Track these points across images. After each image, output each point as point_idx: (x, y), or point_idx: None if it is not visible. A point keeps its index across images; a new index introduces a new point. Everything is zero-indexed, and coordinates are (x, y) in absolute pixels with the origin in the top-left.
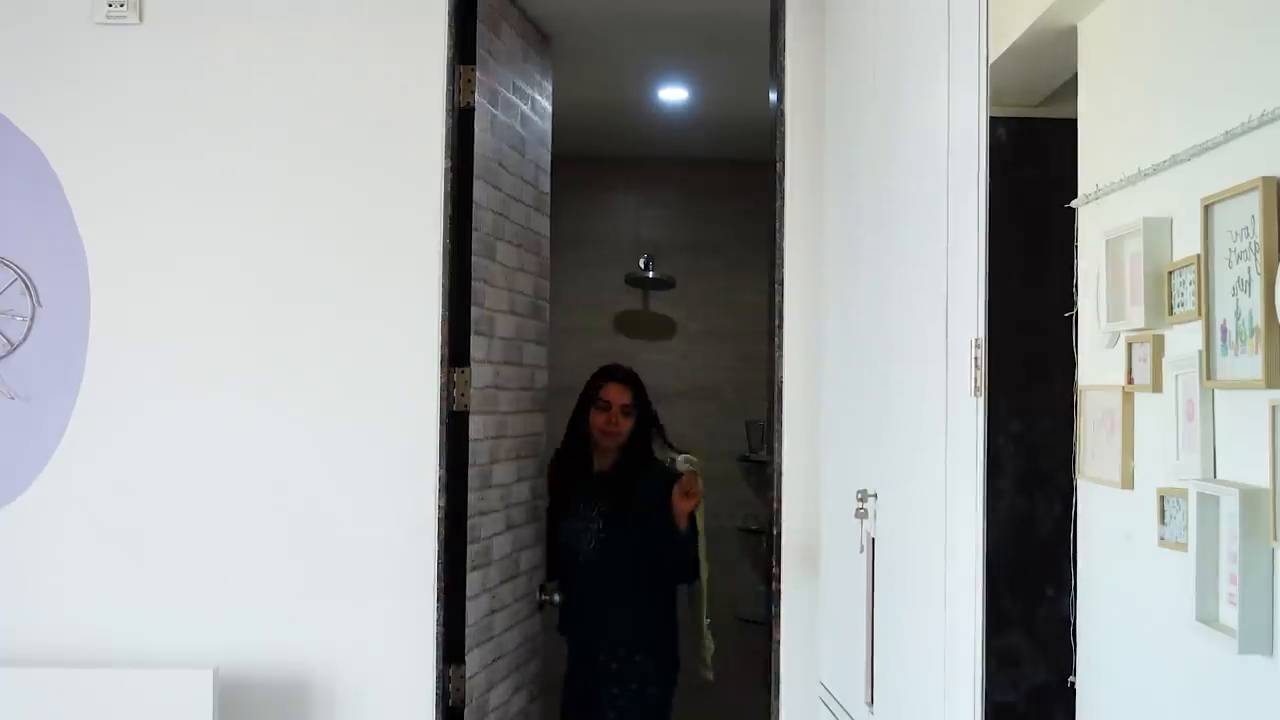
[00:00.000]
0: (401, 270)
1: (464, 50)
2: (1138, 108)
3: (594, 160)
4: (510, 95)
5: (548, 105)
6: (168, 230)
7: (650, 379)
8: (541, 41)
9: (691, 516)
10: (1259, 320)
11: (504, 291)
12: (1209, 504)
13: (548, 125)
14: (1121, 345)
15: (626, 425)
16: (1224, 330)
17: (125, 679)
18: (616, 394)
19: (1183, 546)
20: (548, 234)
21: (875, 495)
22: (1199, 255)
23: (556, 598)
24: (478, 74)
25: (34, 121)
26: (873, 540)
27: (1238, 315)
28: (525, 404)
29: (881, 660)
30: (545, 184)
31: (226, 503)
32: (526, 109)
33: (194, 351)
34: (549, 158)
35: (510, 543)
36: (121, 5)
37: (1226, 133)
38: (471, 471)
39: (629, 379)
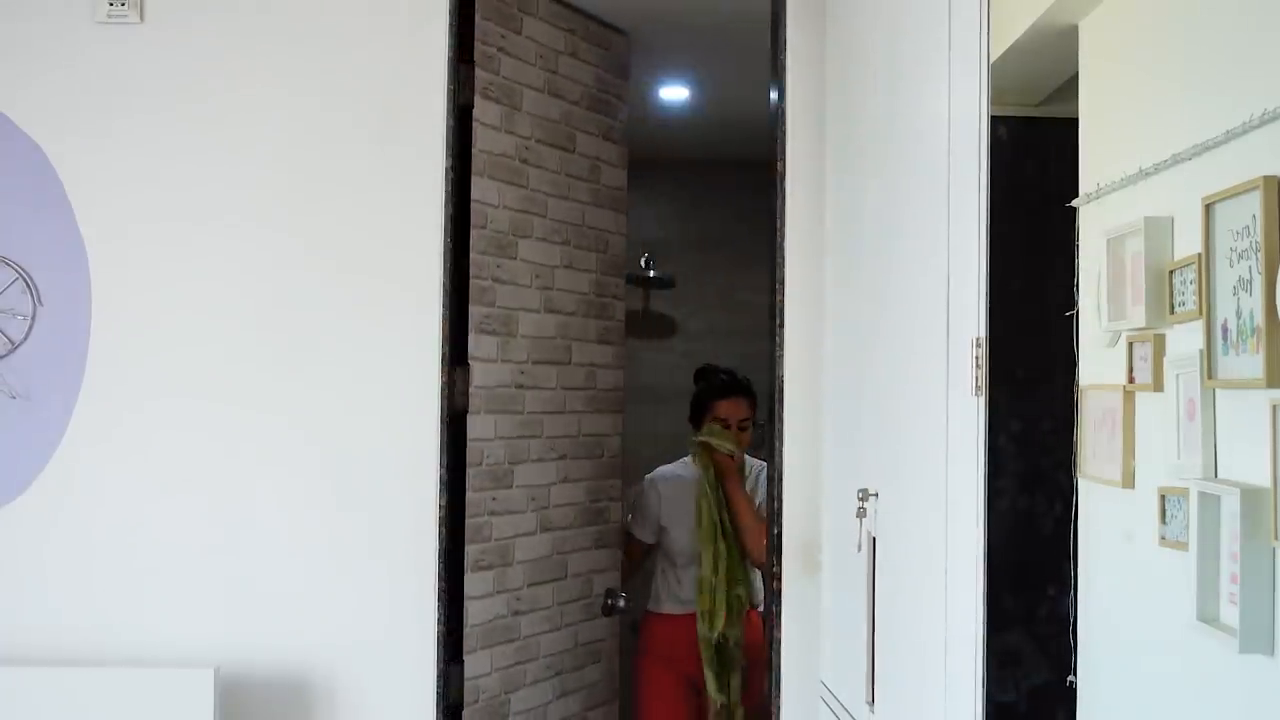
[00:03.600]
0: (402, 269)
1: (466, 49)
2: (1138, 107)
3: None
4: (541, 91)
5: (616, 99)
6: (169, 229)
7: (650, 379)
8: (609, 35)
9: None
10: (1260, 319)
11: (533, 290)
12: (1210, 503)
13: (615, 120)
14: (1122, 344)
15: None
16: (1225, 329)
17: (125, 679)
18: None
19: (1184, 546)
20: (621, 230)
21: (876, 494)
22: (1200, 254)
23: (623, 603)
24: (486, 72)
25: (35, 120)
26: (873, 539)
27: (1239, 314)
28: (576, 404)
29: (882, 659)
30: (615, 179)
31: (227, 502)
32: (574, 104)
33: (194, 350)
34: (621, 152)
35: (548, 544)
36: (122, 4)
37: (1227, 132)
38: (479, 470)
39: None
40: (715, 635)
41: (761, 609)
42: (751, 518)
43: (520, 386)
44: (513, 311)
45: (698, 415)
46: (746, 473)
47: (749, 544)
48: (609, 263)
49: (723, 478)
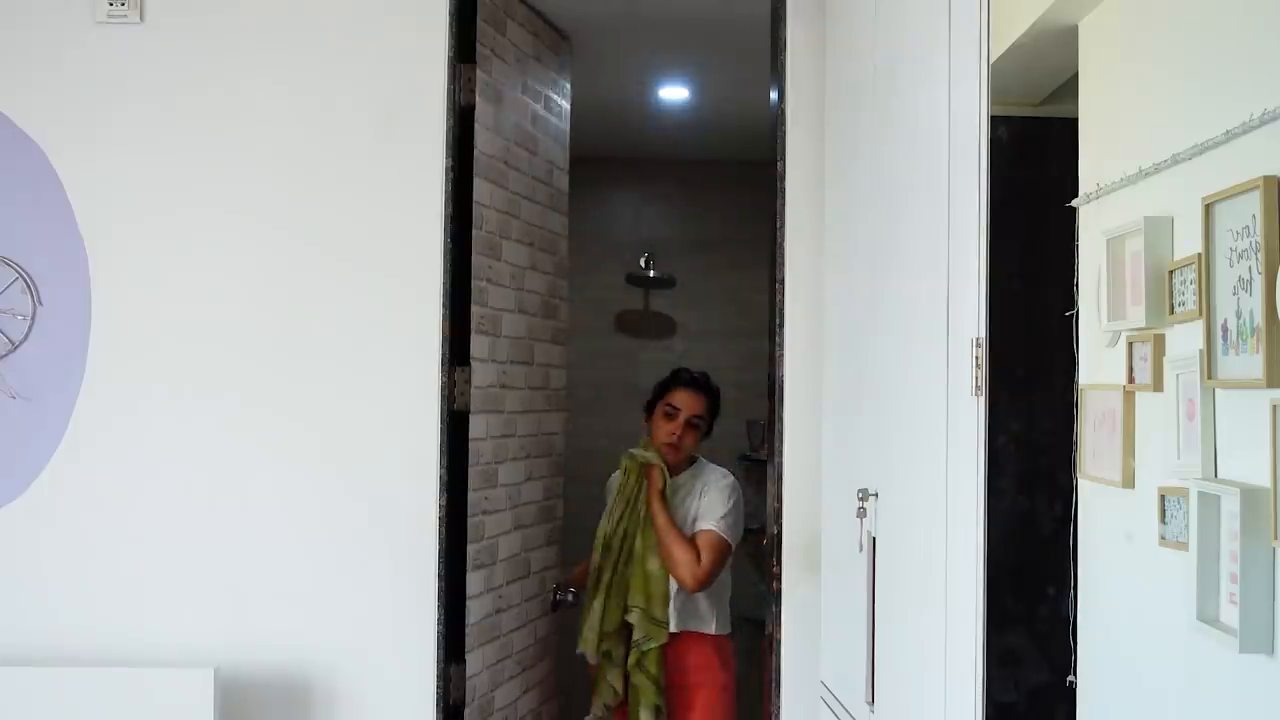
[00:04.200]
0: (402, 269)
1: (465, 49)
2: (1138, 107)
3: (594, 159)
4: (517, 93)
5: (565, 103)
6: (168, 229)
7: (650, 379)
8: (558, 40)
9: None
10: (1260, 319)
11: (511, 290)
12: (1210, 503)
13: (565, 124)
14: (1122, 344)
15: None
16: (1225, 329)
17: (125, 679)
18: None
19: (1183, 546)
20: (565, 233)
21: (876, 495)
22: (1200, 254)
23: (571, 597)
24: (481, 73)
25: (35, 120)
26: (873, 539)
27: (1239, 314)
28: (538, 403)
29: (882, 659)
30: (562, 182)
31: (227, 502)
32: (539, 107)
33: (194, 351)
34: (567, 156)
35: (519, 542)
36: (122, 4)
37: (1227, 132)
38: (474, 470)
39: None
40: (597, 656)
41: (714, 633)
42: (669, 535)
43: (503, 386)
44: (498, 312)
45: (652, 404)
46: (692, 483)
47: (665, 562)
48: (558, 265)
49: (646, 489)
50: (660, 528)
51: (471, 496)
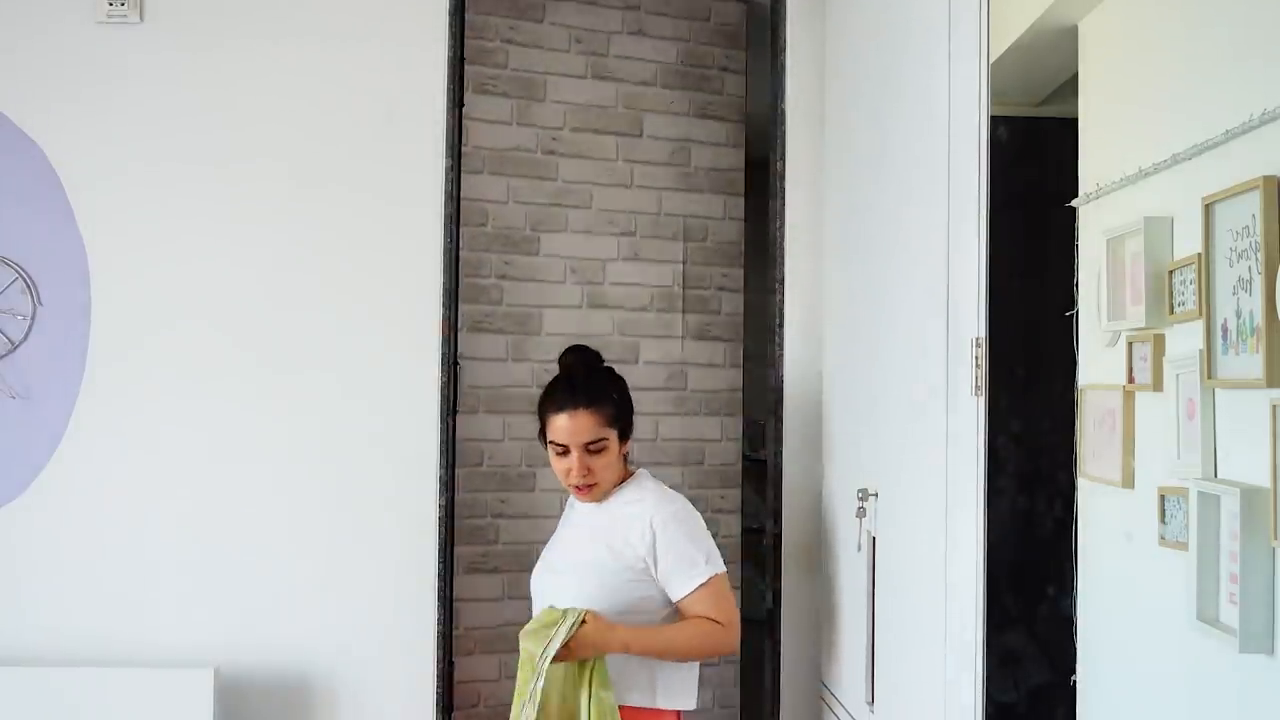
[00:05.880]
0: (402, 269)
1: (457, 45)
2: (1138, 107)
3: None
4: (576, 78)
5: (718, 73)
6: (168, 229)
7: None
8: (716, 4)
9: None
10: (1260, 319)
11: (572, 286)
12: (1210, 503)
13: (715, 94)
14: (1122, 344)
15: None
16: (1225, 329)
17: (125, 679)
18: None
19: (1183, 546)
20: (732, 215)
21: (875, 494)
22: (1200, 254)
23: None
24: (487, 68)
25: (35, 120)
26: (873, 539)
27: (1238, 314)
28: (649, 405)
29: (882, 659)
30: (713, 159)
31: (227, 502)
32: (642, 83)
33: (194, 350)
34: (727, 128)
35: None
36: (122, 4)
37: (1227, 132)
38: (482, 471)
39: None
40: None
41: (655, 707)
42: (664, 644)
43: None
44: (530, 309)
45: (541, 428)
46: (626, 511)
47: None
48: (709, 251)
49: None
50: (649, 650)
51: (478, 498)
